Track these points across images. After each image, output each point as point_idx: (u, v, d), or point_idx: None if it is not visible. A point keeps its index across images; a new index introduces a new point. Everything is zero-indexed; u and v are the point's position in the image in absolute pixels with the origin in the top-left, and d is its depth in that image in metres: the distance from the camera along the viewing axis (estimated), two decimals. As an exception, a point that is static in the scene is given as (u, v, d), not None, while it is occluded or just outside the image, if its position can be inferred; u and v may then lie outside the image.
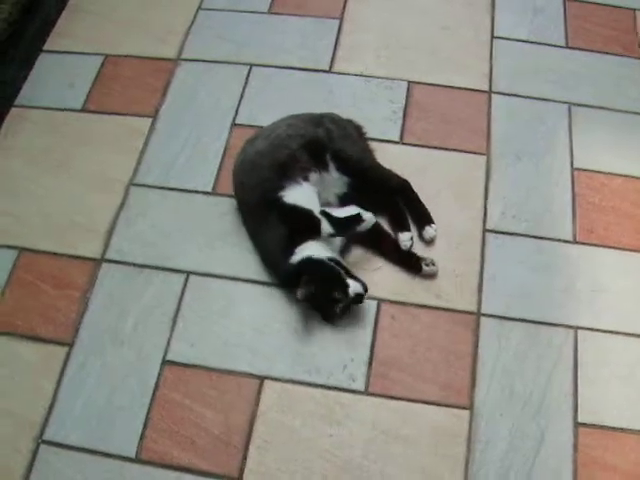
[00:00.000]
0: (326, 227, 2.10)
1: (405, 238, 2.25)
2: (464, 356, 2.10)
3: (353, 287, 2.05)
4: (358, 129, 2.40)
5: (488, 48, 2.73)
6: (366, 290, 2.07)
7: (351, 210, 2.15)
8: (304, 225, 2.12)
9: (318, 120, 2.31)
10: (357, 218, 2.11)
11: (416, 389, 2.05)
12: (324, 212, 2.13)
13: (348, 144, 2.28)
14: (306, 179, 2.18)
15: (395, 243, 2.24)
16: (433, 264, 2.20)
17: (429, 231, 2.28)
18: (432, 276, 2.21)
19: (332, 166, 2.24)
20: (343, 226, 2.12)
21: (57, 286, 2.26)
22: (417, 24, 2.82)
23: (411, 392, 2.04)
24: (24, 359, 2.15)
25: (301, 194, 2.16)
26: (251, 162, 2.25)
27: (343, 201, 2.25)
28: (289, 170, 2.18)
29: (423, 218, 2.31)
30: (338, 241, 2.20)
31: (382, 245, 2.26)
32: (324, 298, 2.07)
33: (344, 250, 2.24)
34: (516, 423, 2.00)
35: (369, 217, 2.12)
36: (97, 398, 2.07)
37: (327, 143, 2.25)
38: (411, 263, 2.23)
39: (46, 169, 2.49)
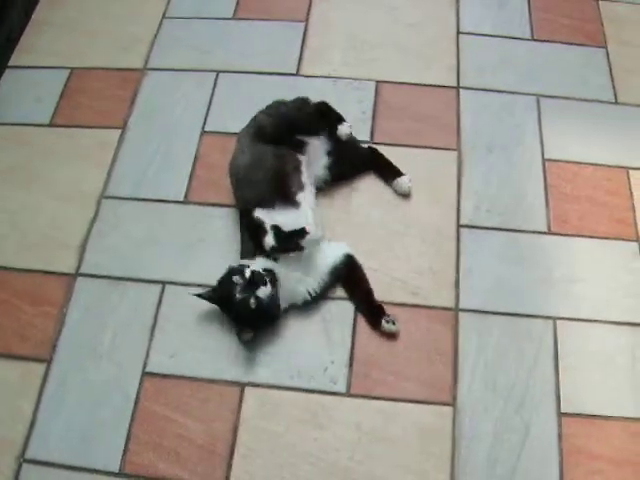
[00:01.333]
0: (269, 240, 2.09)
1: (404, 180, 2.37)
2: (445, 352, 2.10)
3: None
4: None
5: (454, 43, 2.74)
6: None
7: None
8: (255, 238, 2.15)
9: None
10: (300, 232, 2.09)
11: (398, 388, 2.04)
12: (275, 226, 2.11)
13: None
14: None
15: (367, 293, 2.19)
16: (394, 323, 2.13)
17: (404, 180, 2.37)
18: (391, 335, 2.14)
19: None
20: (285, 239, 2.09)
21: (32, 303, 2.24)
22: (383, 23, 2.83)
23: (393, 391, 2.04)
24: (1, 379, 2.12)
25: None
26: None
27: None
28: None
29: (396, 173, 2.38)
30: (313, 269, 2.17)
31: (355, 289, 2.22)
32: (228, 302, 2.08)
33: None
34: (500, 417, 2.00)
35: (313, 232, 2.10)
36: (78, 414, 2.05)
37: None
38: (373, 315, 2.16)
39: (16, 185, 2.47)
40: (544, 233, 2.30)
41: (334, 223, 2.31)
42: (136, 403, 2.05)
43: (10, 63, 2.83)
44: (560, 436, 1.97)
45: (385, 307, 2.15)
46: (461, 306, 2.17)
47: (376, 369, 2.07)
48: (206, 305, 2.16)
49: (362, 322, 2.14)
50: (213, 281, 2.18)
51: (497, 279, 2.21)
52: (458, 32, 2.77)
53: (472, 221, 2.32)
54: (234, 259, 2.21)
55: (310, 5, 2.89)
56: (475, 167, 2.42)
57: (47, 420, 2.05)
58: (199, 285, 2.20)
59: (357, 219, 2.33)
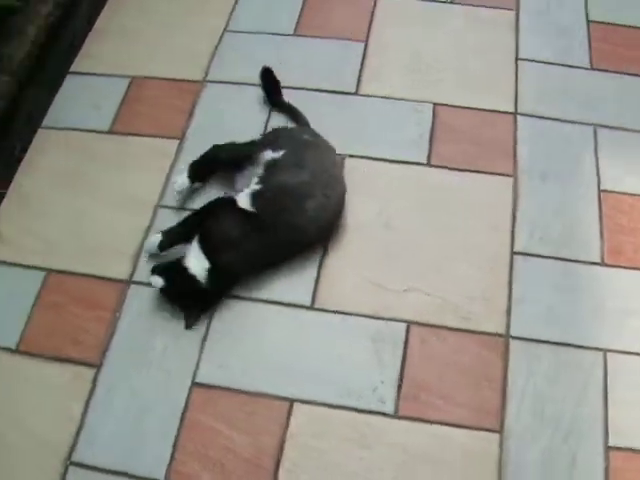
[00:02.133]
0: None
1: None
2: (494, 379, 2.09)
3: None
4: None
5: (513, 70, 2.73)
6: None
7: None
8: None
9: None
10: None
11: (446, 412, 2.04)
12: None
13: None
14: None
15: None
16: None
17: None
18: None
19: None
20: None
21: (85, 307, 2.26)
22: (442, 45, 2.83)
23: (441, 415, 2.03)
24: (52, 381, 2.14)
25: None
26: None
27: None
28: None
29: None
30: None
31: None
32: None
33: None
34: (547, 446, 1.98)
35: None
36: (126, 420, 2.06)
37: None
38: None
39: (74, 190, 2.50)
40: (598, 264, 2.28)
41: (387, 244, 2.32)
42: (184, 412, 2.06)
43: (71, 69, 2.87)
44: (607, 469, 1.95)
45: (436, 332, 2.16)
46: (512, 333, 2.16)
47: (425, 392, 2.07)
48: (258, 318, 2.19)
49: (413, 343, 2.14)
50: (266, 295, 2.25)
51: (549, 308, 2.20)
52: (517, 58, 2.76)
53: (526, 249, 2.30)
54: (290, 274, 2.26)
55: (370, 25, 2.89)
56: (530, 194, 2.41)
57: (95, 424, 2.06)
58: (252, 299, 2.23)
59: (410, 242, 2.33)
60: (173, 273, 2.18)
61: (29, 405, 2.11)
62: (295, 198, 2.23)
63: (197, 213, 2.30)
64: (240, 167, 2.37)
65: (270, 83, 2.65)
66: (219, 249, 2.18)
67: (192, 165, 2.42)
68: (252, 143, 2.41)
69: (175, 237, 2.25)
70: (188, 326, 2.20)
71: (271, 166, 2.30)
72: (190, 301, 2.21)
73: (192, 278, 2.16)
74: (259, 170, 2.31)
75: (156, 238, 2.26)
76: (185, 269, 2.17)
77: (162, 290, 2.19)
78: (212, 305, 2.23)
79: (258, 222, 2.19)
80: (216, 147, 2.43)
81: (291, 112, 2.59)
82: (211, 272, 2.16)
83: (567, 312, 2.20)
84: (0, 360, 2.18)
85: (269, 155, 2.32)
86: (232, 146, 2.43)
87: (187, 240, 2.22)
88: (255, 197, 2.22)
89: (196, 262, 2.17)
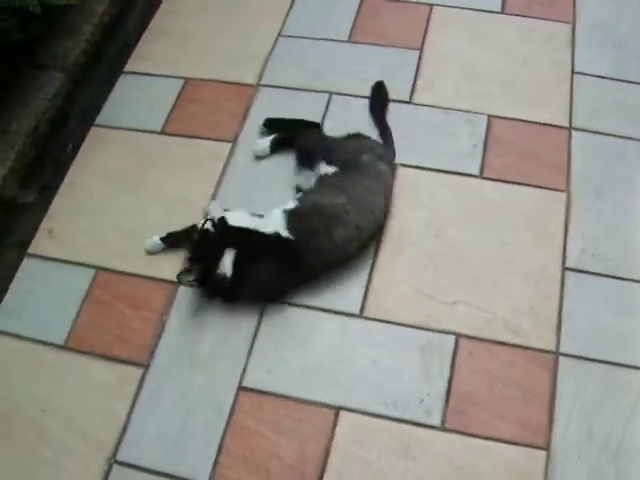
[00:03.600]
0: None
1: None
2: (542, 395, 2.06)
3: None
4: None
5: (568, 83, 2.70)
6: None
7: None
8: None
9: None
10: None
11: (493, 427, 2.02)
12: None
13: None
14: None
15: None
16: None
17: None
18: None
19: None
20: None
21: (133, 307, 2.28)
22: (497, 57, 2.80)
23: (487, 430, 2.02)
24: (98, 379, 2.16)
25: None
26: None
27: None
28: None
29: None
30: None
31: None
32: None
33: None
34: (594, 466, 1.96)
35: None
36: (171, 421, 2.07)
37: None
38: None
39: (125, 189, 2.52)
40: (651, 284, 2.26)
41: (437, 255, 2.31)
42: (230, 416, 2.07)
43: (125, 69, 2.89)
44: (655, 492, 1.93)
45: (485, 345, 2.14)
46: (561, 350, 2.13)
47: (472, 405, 2.05)
48: (307, 324, 2.20)
49: (462, 356, 2.13)
50: (315, 302, 2.25)
51: (599, 326, 2.17)
52: (573, 71, 2.73)
53: (577, 265, 2.28)
54: (340, 282, 2.27)
55: (425, 33, 2.88)
56: (583, 210, 2.38)
57: (140, 424, 2.08)
58: (301, 305, 2.24)
59: (459, 254, 2.32)
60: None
61: (75, 402, 2.13)
62: (326, 222, 2.22)
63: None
64: (305, 161, 2.42)
65: (379, 97, 2.65)
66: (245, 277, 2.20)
67: (275, 139, 2.54)
68: (330, 142, 2.46)
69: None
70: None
71: (319, 182, 2.34)
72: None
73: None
74: (312, 180, 2.35)
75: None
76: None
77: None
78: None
79: (288, 245, 2.20)
80: (303, 126, 2.56)
81: (383, 131, 2.56)
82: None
83: (618, 331, 2.17)
84: (48, 356, 2.21)
85: (323, 169, 2.34)
86: (317, 137, 2.50)
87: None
88: (290, 216, 2.23)
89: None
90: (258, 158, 2.55)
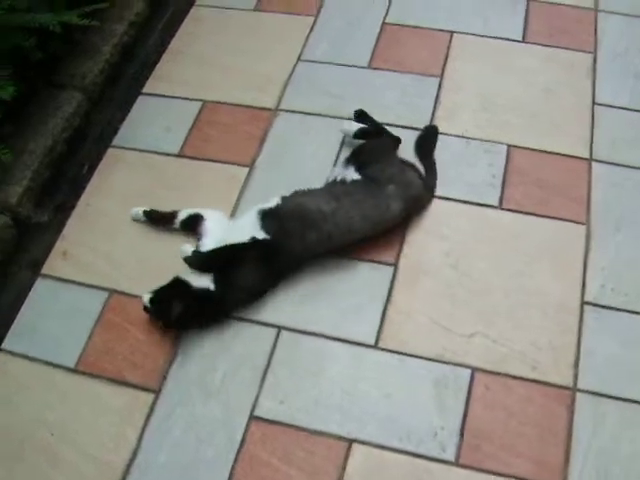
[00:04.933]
0: None
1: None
2: (558, 433, 2.02)
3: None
4: None
5: (589, 114, 2.68)
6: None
7: None
8: None
9: None
10: None
11: (507, 464, 1.98)
12: None
13: None
14: None
15: None
16: None
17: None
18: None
19: None
20: None
21: (146, 331, 2.25)
22: (517, 85, 2.79)
23: (502, 467, 1.97)
24: (109, 403, 2.13)
25: None
26: None
27: None
28: None
29: None
30: None
31: None
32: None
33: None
34: (611, 508, 1.92)
35: None
36: (182, 448, 2.04)
37: None
38: None
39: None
40: (673, 321, 2.22)
41: (454, 286, 2.28)
42: (241, 445, 2.03)
43: (144, 90, 2.89)
44: (673, 536, 1.89)
45: (501, 380, 2.11)
46: (579, 386, 2.09)
47: (487, 441, 2.01)
48: (321, 353, 2.17)
49: (477, 390, 2.09)
50: (329, 331, 2.22)
51: (619, 362, 2.13)
52: (593, 102, 2.71)
53: (596, 299, 2.24)
54: (355, 310, 2.24)
55: (446, 61, 2.87)
56: (603, 244, 2.35)
57: (150, 450, 2.05)
58: (316, 334, 2.21)
59: (477, 285, 2.29)
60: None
61: (85, 425, 2.10)
62: (303, 225, 2.25)
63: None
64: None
65: (430, 140, 2.62)
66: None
67: (364, 129, 2.57)
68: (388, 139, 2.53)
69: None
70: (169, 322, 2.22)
71: (330, 183, 2.40)
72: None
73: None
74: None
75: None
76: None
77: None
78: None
79: (266, 245, 2.24)
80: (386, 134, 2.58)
81: (429, 169, 2.52)
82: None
83: (637, 368, 2.13)
84: (58, 378, 2.19)
85: (348, 173, 2.38)
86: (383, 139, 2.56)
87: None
88: (264, 217, 2.27)
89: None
90: (343, 133, 2.62)
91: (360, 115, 2.62)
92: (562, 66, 2.85)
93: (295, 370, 2.16)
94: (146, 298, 2.19)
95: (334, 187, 2.36)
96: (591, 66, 2.84)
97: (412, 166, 2.46)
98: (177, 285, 2.21)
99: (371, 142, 2.53)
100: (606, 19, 2.99)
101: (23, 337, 2.28)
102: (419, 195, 2.40)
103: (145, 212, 2.44)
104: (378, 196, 2.31)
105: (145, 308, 2.22)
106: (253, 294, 2.28)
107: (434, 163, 2.54)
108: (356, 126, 2.55)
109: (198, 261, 2.24)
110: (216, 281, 2.20)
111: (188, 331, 2.24)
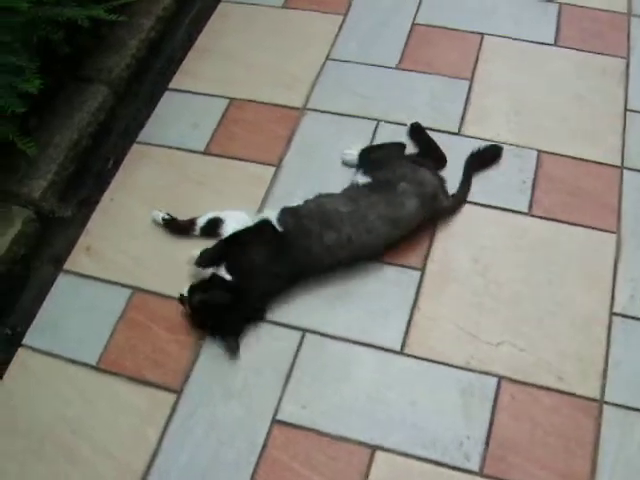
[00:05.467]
0: None
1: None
2: (584, 445, 1.99)
3: None
4: None
5: (621, 121, 2.64)
6: None
7: None
8: None
9: None
10: None
11: (532, 476, 1.95)
12: None
13: None
14: None
15: None
16: None
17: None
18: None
19: None
20: None
21: (169, 330, 2.23)
22: (548, 90, 2.76)
23: (527, 478, 1.94)
24: (130, 402, 2.11)
25: None
26: None
27: None
28: None
29: None
30: None
31: None
32: None
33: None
34: (637, 523, 1.89)
35: None
36: (203, 450, 2.02)
37: None
38: None
39: (165, 209, 2.45)
40: None
41: (482, 293, 2.25)
42: (263, 449, 2.01)
43: (170, 85, 2.87)
44: None
45: (528, 389, 2.08)
46: (606, 398, 2.06)
47: (512, 452, 1.98)
48: (345, 358, 2.15)
49: (504, 399, 2.06)
50: (355, 336, 2.19)
51: (647, 375, 2.11)
52: (626, 109, 2.67)
53: (626, 310, 2.21)
54: (381, 315, 2.22)
55: (476, 63, 2.83)
56: (634, 254, 2.32)
57: (171, 451, 2.03)
58: (340, 338, 2.18)
59: (505, 293, 2.25)
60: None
61: (105, 424, 2.09)
62: (321, 225, 2.24)
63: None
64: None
65: (487, 159, 2.56)
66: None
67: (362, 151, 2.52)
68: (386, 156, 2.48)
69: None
70: (230, 351, 2.18)
71: (347, 188, 2.39)
72: (222, 319, 2.20)
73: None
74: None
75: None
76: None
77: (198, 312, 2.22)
78: (245, 322, 2.23)
79: (275, 233, 2.24)
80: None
81: (466, 181, 2.48)
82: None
83: (666, 381, 2.10)
84: (80, 375, 2.17)
85: (359, 177, 2.38)
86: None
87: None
88: (284, 213, 2.28)
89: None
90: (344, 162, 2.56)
91: (415, 129, 2.58)
92: (594, 71, 2.81)
93: (319, 374, 2.13)
94: (185, 289, 2.20)
95: (350, 191, 2.35)
96: (624, 72, 2.80)
97: (425, 164, 2.42)
98: (214, 279, 2.21)
99: (375, 147, 2.54)
100: (640, 24, 2.96)
101: (44, 333, 2.26)
102: (434, 193, 2.35)
103: (164, 220, 2.41)
104: (391, 194, 2.29)
105: (181, 300, 2.21)
106: (267, 283, 2.24)
107: (471, 177, 2.50)
108: (354, 155, 2.51)
109: (207, 254, 2.25)
110: (229, 268, 2.20)
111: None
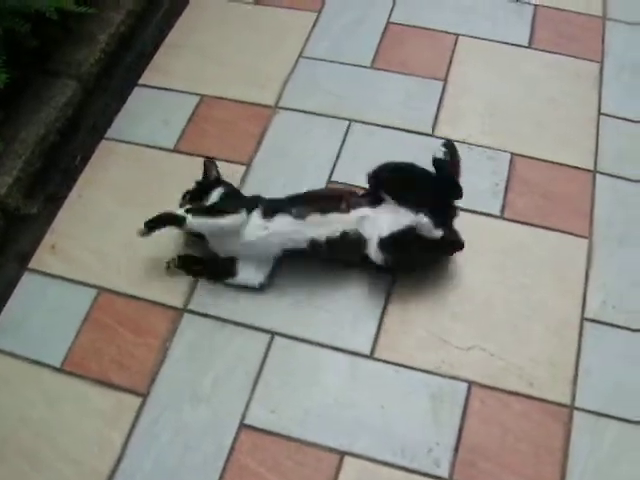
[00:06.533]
0: None
1: None
2: (554, 451, 1.97)
3: None
4: None
5: (594, 125, 2.63)
6: None
7: None
8: None
9: None
10: None
11: (502, 483, 1.94)
12: None
13: None
14: None
15: None
16: None
17: None
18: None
19: None
20: None
21: (135, 332, 2.19)
22: (522, 93, 2.74)
23: (497, 485, 1.93)
24: (95, 405, 2.07)
25: None
26: None
27: None
28: None
29: None
30: None
31: None
32: None
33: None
34: (606, 532, 1.88)
35: None
36: (169, 455, 1.98)
37: None
38: None
39: (133, 207, 2.42)
40: (674, 340, 2.18)
41: (455, 298, 2.23)
42: (229, 454, 1.97)
43: (140, 81, 2.82)
44: None
45: (498, 395, 2.06)
46: (577, 404, 2.05)
47: (482, 457, 1.96)
48: (314, 361, 2.12)
49: (474, 405, 2.04)
50: (324, 339, 2.16)
51: (618, 381, 2.09)
52: (599, 113, 2.66)
53: (597, 316, 2.19)
54: (351, 318, 2.20)
55: (450, 64, 2.82)
56: (606, 259, 2.30)
57: (136, 456, 1.98)
58: (309, 342, 2.15)
59: (477, 297, 2.24)
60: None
61: (69, 428, 2.04)
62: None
63: None
64: None
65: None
66: None
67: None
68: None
69: None
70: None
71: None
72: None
73: None
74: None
75: None
76: None
77: None
78: None
79: None
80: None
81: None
82: None
83: (637, 387, 2.08)
84: (44, 377, 2.12)
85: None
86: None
87: None
88: None
89: None
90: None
91: (447, 148, 2.37)
92: (568, 74, 2.80)
93: (288, 378, 2.10)
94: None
95: None
96: (597, 76, 2.79)
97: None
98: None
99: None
100: (614, 28, 2.95)
101: (7, 333, 2.21)
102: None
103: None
104: None
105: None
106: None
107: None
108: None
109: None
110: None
111: (179, 333, 2.18)
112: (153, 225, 2.18)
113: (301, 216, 2.16)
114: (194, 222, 2.17)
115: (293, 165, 2.53)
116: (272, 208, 2.20)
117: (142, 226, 2.17)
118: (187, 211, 2.19)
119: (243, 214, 2.17)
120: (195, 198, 2.27)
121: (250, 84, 2.78)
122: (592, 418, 2.03)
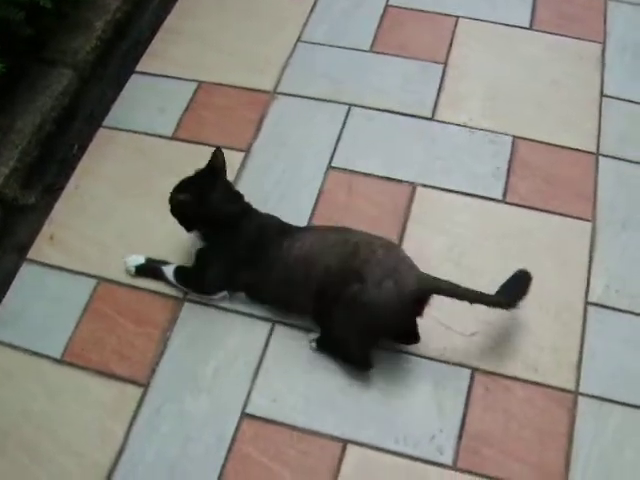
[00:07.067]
0: None
1: None
2: (559, 436, 1.96)
3: None
4: None
5: (597, 107, 2.61)
6: None
7: None
8: None
9: None
10: None
11: (507, 468, 1.92)
12: None
13: None
14: None
15: None
16: None
17: None
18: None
19: None
20: None
21: (135, 322, 2.17)
22: (524, 75, 2.72)
23: (501, 471, 1.91)
24: (95, 396, 2.06)
25: None
26: None
27: None
28: None
29: None
30: None
31: None
32: None
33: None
34: (612, 515, 1.86)
35: None
36: (170, 445, 1.97)
37: None
38: None
39: (132, 196, 2.42)
40: (679, 323, 2.16)
41: (456, 283, 2.18)
42: (231, 443, 1.96)
43: (137, 68, 2.80)
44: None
45: (501, 381, 2.04)
46: (581, 390, 2.04)
47: (486, 444, 1.95)
48: (316, 353, 2.10)
49: (477, 392, 2.02)
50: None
51: (621, 366, 2.08)
52: (602, 94, 2.64)
53: (601, 300, 2.18)
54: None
55: (450, 47, 2.79)
56: (609, 242, 2.29)
57: (138, 447, 1.97)
58: (309, 330, 2.13)
59: (480, 282, 2.14)
60: None
61: (70, 419, 2.03)
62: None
63: None
64: None
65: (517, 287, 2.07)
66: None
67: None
68: None
69: None
70: None
71: None
72: None
73: None
74: None
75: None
76: None
77: None
78: None
79: None
80: None
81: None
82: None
83: (641, 372, 2.08)
84: (44, 369, 2.11)
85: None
86: None
87: None
88: None
89: None
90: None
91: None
92: (570, 56, 2.78)
93: (289, 367, 2.09)
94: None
95: None
96: (600, 57, 2.77)
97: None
98: None
99: None
100: (616, 8, 2.92)
101: (7, 325, 2.20)
102: None
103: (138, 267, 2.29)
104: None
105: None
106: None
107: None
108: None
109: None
110: None
111: (179, 323, 2.16)
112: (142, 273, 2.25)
113: None
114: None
115: (292, 151, 2.51)
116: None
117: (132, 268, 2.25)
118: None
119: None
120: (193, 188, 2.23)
121: (248, 70, 2.76)
122: (596, 403, 2.02)
